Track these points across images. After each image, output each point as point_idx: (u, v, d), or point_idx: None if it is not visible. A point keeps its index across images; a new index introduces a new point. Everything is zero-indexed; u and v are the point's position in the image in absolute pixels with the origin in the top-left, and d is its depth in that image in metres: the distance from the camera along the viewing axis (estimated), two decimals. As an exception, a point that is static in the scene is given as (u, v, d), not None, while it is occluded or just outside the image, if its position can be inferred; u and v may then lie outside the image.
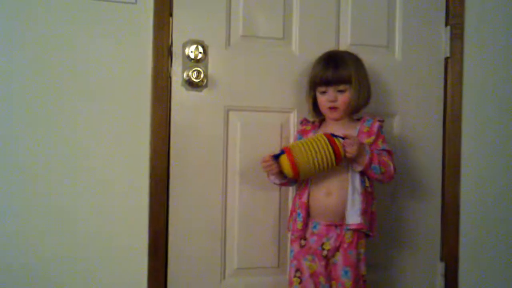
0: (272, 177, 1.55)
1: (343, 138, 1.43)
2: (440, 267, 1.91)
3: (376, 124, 1.53)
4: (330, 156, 1.40)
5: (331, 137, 1.42)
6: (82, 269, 1.61)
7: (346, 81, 1.50)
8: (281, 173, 1.50)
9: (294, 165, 1.41)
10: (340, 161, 1.43)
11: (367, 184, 1.51)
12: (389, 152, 1.52)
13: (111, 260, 1.63)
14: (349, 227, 1.47)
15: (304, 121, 1.66)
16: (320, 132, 1.51)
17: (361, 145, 1.43)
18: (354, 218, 1.46)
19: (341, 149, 1.41)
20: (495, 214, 1.96)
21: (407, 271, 1.87)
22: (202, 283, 1.70)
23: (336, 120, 1.56)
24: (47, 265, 1.59)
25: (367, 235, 1.53)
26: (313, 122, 1.63)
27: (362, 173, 1.49)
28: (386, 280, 1.86)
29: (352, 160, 1.45)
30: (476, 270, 1.94)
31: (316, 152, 1.39)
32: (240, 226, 1.73)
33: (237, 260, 1.73)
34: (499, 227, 1.96)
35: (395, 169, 1.50)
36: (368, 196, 1.50)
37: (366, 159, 1.43)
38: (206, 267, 1.70)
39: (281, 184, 1.59)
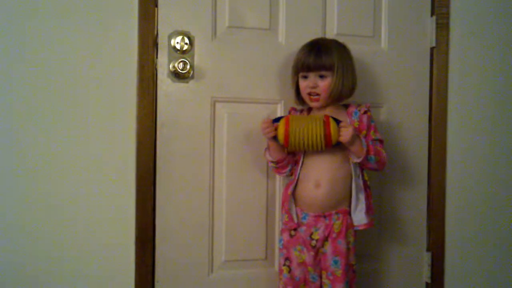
0: (268, 154, 1.57)
1: (340, 122, 1.44)
2: (426, 257, 1.92)
3: (365, 116, 1.54)
4: (320, 134, 1.41)
5: (327, 118, 1.43)
6: (69, 263, 1.60)
7: (328, 68, 1.49)
8: (276, 142, 1.50)
9: (287, 131, 1.43)
10: (330, 144, 1.43)
11: (366, 178, 1.53)
12: (381, 141, 1.55)
13: (98, 255, 1.62)
14: (357, 228, 1.51)
15: (292, 111, 1.65)
16: None
17: (355, 134, 1.44)
18: (361, 219, 1.50)
19: (333, 132, 1.41)
20: (481, 204, 1.97)
21: (393, 261, 1.88)
22: (190, 276, 1.69)
23: (317, 108, 1.56)
24: (34, 259, 1.57)
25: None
26: (301, 111, 1.63)
27: (360, 167, 1.51)
28: (373, 270, 1.87)
29: (350, 152, 1.47)
30: (462, 260, 1.96)
31: (307, 128, 1.41)
32: (228, 218, 1.72)
33: (224, 252, 1.73)
34: (485, 217, 1.98)
35: (386, 156, 1.53)
36: (368, 189, 1.53)
37: (363, 151, 1.44)
38: (193, 260, 1.70)
39: (277, 164, 1.57)
